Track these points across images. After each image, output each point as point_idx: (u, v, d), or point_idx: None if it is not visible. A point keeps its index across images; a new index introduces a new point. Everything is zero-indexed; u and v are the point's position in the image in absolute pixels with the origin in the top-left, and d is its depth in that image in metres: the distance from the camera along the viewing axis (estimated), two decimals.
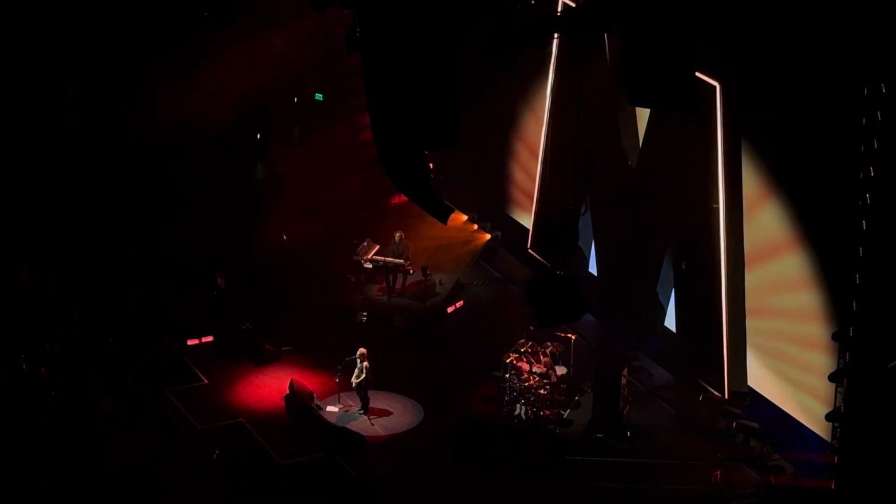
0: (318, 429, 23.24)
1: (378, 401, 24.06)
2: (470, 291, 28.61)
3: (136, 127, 28.06)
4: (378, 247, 27.89)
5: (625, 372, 23.70)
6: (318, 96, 31.21)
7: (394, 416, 23.91)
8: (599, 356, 24.81)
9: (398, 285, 27.86)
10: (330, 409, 23.87)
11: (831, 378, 20.54)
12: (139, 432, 22.83)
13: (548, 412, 23.44)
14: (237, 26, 28.19)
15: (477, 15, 16.53)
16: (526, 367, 23.61)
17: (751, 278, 23.13)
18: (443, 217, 16.66)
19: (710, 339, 23.56)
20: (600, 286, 26.69)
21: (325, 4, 17.24)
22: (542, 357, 23.86)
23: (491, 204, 30.89)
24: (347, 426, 23.29)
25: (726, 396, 23.53)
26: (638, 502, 21.39)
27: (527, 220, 29.52)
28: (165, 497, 21.18)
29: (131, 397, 23.89)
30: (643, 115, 25.05)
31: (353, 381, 23.64)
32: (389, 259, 27.60)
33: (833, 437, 21.03)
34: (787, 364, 22.82)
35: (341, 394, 23.96)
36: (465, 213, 30.43)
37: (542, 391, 23.46)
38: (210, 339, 25.98)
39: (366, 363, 23.53)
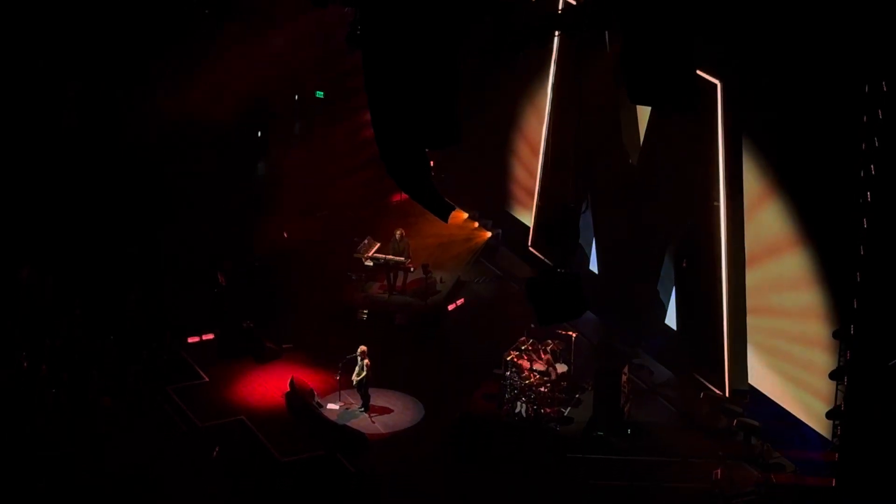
0: (319, 426, 23.26)
1: (379, 398, 24.08)
2: (471, 289, 28.62)
3: (136, 127, 28.09)
4: (379, 244, 27.91)
5: (625, 370, 23.71)
6: (319, 94, 31.22)
7: (394, 413, 23.93)
8: (600, 354, 24.79)
9: (399, 283, 27.88)
10: (330, 406, 23.89)
11: (832, 376, 20.55)
12: (139, 432, 22.84)
13: (548, 410, 23.45)
14: (237, 26, 28.22)
15: (478, 12, 16.52)
16: (527, 364, 23.62)
17: (752, 277, 23.14)
18: (444, 215, 16.66)
19: (711, 336, 23.57)
20: (601, 284, 26.70)
21: (326, 2, 17.25)
22: (542, 355, 23.88)
23: (492, 202, 30.90)
24: (348, 424, 23.32)
25: (727, 394, 23.54)
26: (639, 500, 21.40)
27: (527, 218, 29.52)
28: (165, 497, 21.19)
29: (131, 396, 23.90)
30: (644, 113, 25.05)
31: (354, 378, 23.66)
32: (390, 257, 27.61)
33: (834, 435, 21.02)
34: (788, 362, 22.82)
35: (342, 391, 23.98)
36: (465, 210, 30.44)
37: (542, 389, 23.47)
38: (211, 336, 26.00)
39: (366, 361, 23.55)
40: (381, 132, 15.86)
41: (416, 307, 27.43)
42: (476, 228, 30.51)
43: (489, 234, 30.33)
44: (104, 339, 24.65)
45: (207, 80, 27.73)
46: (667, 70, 15.52)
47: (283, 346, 25.82)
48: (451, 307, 27.77)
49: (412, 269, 27.78)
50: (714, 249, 23.22)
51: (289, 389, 24.15)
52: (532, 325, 23.90)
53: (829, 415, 20.81)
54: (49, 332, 24.50)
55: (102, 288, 26.21)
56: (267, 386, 24.68)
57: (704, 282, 23.60)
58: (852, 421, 20.26)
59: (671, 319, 25.34)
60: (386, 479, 21.80)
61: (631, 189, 25.60)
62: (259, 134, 31.04)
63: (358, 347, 23.62)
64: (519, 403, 23.42)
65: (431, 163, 17.04)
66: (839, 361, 20.48)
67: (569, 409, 23.87)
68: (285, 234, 28.71)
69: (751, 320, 23.31)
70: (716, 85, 22.48)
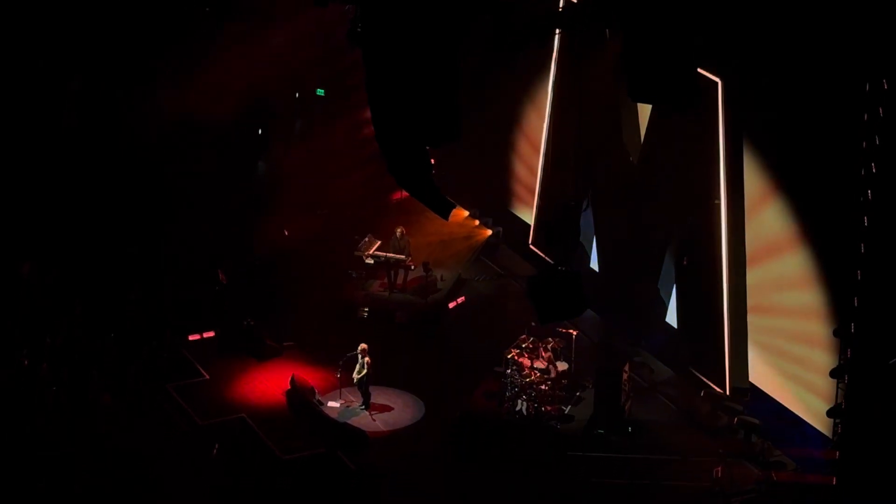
0: (320, 424, 23.27)
1: (379, 396, 24.09)
2: (471, 287, 28.63)
3: (136, 127, 28.09)
4: (379, 242, 27.91)
5: (626, 368, 23.71)
6: (320, 91, 31.22)
7: (395, 411, 23.94)
8: (601, 352, 24.81)
9: (399, 281, 27.88)
10: (331, 404, 23.89)
11: (832, 374, 20.55)
12: (139, 431, 22.83)
13: (549, 408, 23.46)
14: (237, 25, 28.21)
15: (478, 8, 16.52)
16: (527, 362, 23.62)
17: (753, 276, 23.13)
18: (444, 213, 16.65)
19: (712, 334, 23.56)
20: (602, 282, 26.70)
21: (327, 0, 17.26)
22: (543, 353, 23.88)
23: (492, 200, 30.90)
24: (349, 421, 23.34)
25: (727, 392, 23.54)
26: (639, 498, 21.40)
27: (528, 216, 29.53)
28: (166, 496, 21.18)
29: (131, 395, 23.89)
30: (645, 111, 25.05)
31: (355, 376, 23.66)
32: (391, 255, 27.62)
33: (834, 433, 21.03)
34: (789, 361, 22.82)
35: (342, 389, 23.99)
36: (466, 208, 30.44)
37: (543, 387, 23.47)
38: (211, 334, 26.00)
39: (367, 359, 23.56)
40: (382, 130, 15.86)
41: (417, 305, 27.44)
42: (477, 226, 30.52)
43: (490, 232, 30.34)
44: (104, 338, 24.65)
45: (208, 79, 27.73)
46: (667, 67, 15.52)
47: (284, 343, 25.83)
48: (451, 305, 27.78)
49: (413, 267, 27.79)
50: (715, 247, 23.22)
51: (289, 387, 24.16)
52: (533, 323, 23.90)
53: (829, 413, 20.82)
54: (49, 330, 24.49)
55: (103, 287, 26.20)
56: (268, 384, 24.68)
57: (705, 280, 23.60)
58: (853, 419, 20.27)
59: (672, 317, 25.33)
60: (386, 476, 21.81)
61: (631, 187, 25.59)
62: (260, 132, 31.03)
63: (358, 345, 23.63)
64: (520, 401, 23.42)
65: (432, 160, 17.01)
66: (840, 359, 20.50)
67: (569, 407, 23.88)
68: (286, 233, 28.72)
69: (751, 319, 23.30)
70: (716, 83, 22.48)
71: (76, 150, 28.50)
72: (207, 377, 24.89)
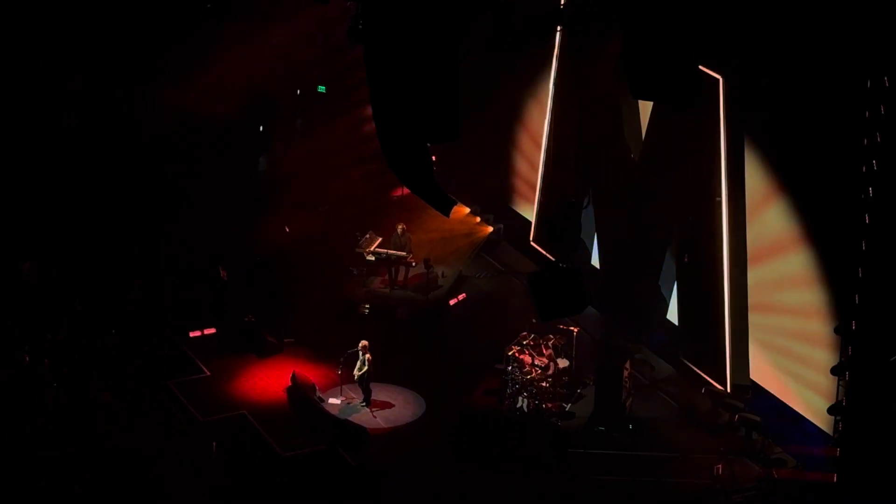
0: (320, 421, 23.28)
1: (380, 393, 24.09)
2: (472, 284, 28.62)
3: (136, 127, 28.08)
4: (380, 239, 27.90)
5: (627, 365, 23.71)
6: (321, 88, 31.21)
7: (395, 408, 23.94)
8: (601, 349, 24.81)
9: (400, 277, 27.88)
10: (332, 401, 23.90)
11: (833, 371, 20.54)
12: (139, 430, 22.82)
13: (550, 405, 23.46)
14: (238, 24, 28.20)
15: (479, 6, 16.52)
16: (528, 359, 23.62)
17: (755, 275, 23.11)
18: (445, 209, 16.67)
19: (713, 332, 23.56)
20: (603, 279, 26.69)
21: None
22: (544, 350, 23.88)
23: (493, 196, 30.89)
24: (349, 418, 23.35)
25: (728, 390, 23.54)
26: (640, 495, 21.40)
27: (529, 213, 29.52)
28: (166, 496, 21.18)
29: (132, 394, 23.88)
30: (646, 108, 25.05)
31: (355, 373, 23.67)
32: (392, 251, 27.61)
33: (835, 430, 21.01)
34: (790, 359, 22.81)
35: (343, 386, 23.99)
36: (467, 205, 30.44)
37: (544, 384, 23.47)
38: (212, 330, 26.01)
39: (368, 355, 23.56)
40: (383, 126, 15.87)
41: (418, 302, 27.44)
42: (478, 223, 30.51)
43: (491, 228, 30.33)
44: (105, 337, 24.65)
45: (208, 78, 27.72)
46: (668, 64, 15.53)
47: (285, 340, 25.84)
48: (452, 302, 27.77)
49: (414, 264, 27.78)
50: (716, 245, 23.20)
51: (290, 384, 24.17)
52: (533, 320, 23.89)
53: (830, 410, 20.79)
54: (50, 328, 24.50)
55: (103, 286, 26.20)
56: (268, 380, 24.69)
57: (706, 277, 23.58)
58: (853, 416, 20.26)
59: (673, 314, 25.33)
60: (387, 473, 21.81)
61: (632, 185, 25.58)
62: (261, 129, 31.02)
63: (359, 342, 23.63)
64: (520, 398, 23.42)
65: (433, 157, 17.04)
66: (840, 357, 20.49)
67: (570, 404, 23.88)
68: (287, 229, 28.72)
69: (753, 317, 23.29)
70: (717, 80, 22.46)
71: (76, 150, 28.49)
72: (208, 374, 24.91)
